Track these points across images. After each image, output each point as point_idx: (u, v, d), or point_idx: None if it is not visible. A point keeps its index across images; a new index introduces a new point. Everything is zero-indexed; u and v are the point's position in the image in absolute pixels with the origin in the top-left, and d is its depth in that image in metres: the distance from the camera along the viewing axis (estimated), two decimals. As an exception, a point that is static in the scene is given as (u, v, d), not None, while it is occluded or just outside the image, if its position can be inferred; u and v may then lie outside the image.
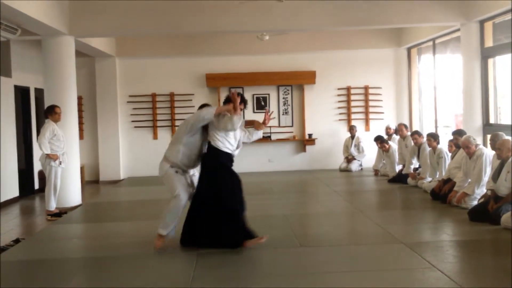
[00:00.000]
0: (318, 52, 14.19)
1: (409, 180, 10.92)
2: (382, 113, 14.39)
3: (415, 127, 13.66)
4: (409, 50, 14.23)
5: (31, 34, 9.98)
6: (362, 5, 10.48)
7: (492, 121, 10.31)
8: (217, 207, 6.09)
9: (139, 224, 8.15)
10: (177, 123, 14.04)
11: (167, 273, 5.54)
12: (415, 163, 11.17)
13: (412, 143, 11.08)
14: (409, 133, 11.76)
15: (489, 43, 10.32)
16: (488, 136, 9.98)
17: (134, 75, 14.14)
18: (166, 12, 10.43)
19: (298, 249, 6.21)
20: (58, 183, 9.26)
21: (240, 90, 14.11)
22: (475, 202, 8.03)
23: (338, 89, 14.38)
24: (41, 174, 11.45)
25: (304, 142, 14.24)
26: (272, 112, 7.36)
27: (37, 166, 11.72)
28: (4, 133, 10.66)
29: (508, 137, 7.73)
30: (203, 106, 6.85)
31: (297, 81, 14.22)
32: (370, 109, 14.40)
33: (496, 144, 7.48)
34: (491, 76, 10.39)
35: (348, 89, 14.37)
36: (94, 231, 8.04)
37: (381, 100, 14.40)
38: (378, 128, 14.00)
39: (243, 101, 6.37)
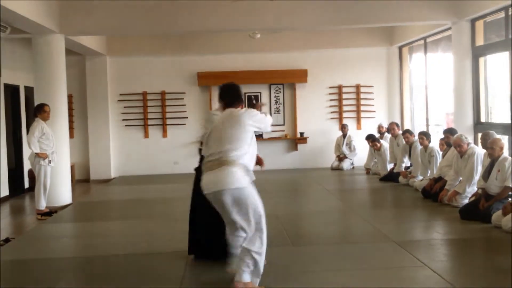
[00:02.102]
0: (310, 50, 14.18)
1: (401, 178, 10.93)
2: (374, 111, 14.41)
3: (407, 126, 13.69)
4: (400, 48, 14.24)
5: (21, 32, 9.90)
6: (353, 4, 10.46)
7: (483, 119, 10.33)
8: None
9: (129, 223, 8.12)
10: (168, 121, 14.01)
11: (158, 273, 5.51)
12: (406, 162, 11.19)
13: (404, 142, 11.10)
14: (400, 132, 11.78)
15: (480, 41, 10.33)
16: (479, 135, 10.02)
17: (125, 74, 14.08)
18: (158, 10, 10.38)
19: (290, 248, 6.20)
20: (47, 182, 9.20)
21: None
22: (466, 201, 8.04)
23: (330, 87, 14.39)
24: (31, 173, 11.36)
25: (295, 140, 14.23)
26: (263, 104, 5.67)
27: (27, 165, 11.63)
28: (-7, 132, 10.58)
29: (499, 136, 7.75)
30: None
31: (289, 80, 14.21)
32: (362, 108, 14.41)
33: (487, 143, 7.49)
34: (482, 75, 10.40)
35: (339, 87, 14.37)
36: (85, 230, 8.00)
37: (373, 99, 14.41)
38: (369, 126, 14.01)
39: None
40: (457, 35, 10.55)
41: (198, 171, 5.69)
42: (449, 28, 10.95)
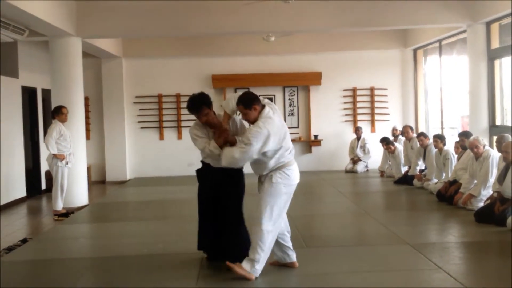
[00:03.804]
0: (324, 53, 14.20)
1: (415, 181, 10.90)
2: (388, 114, 14.39)
3: (421, 129, 13.66)
4: (415, 51, 14.21)
5: (38, 35, 10.03)
6: (368, 6, 10.48)
7: (498, 122, 10.29)
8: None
9: (145, 224, 8.18)
10: (183, 123, 14.09)
11: (173, 273, 5.54)
12: (421, 165, 11.15)
13: (418, 145, 11.08)
14: (414, 135, 11.76)
15: (495, 44, 10.31)
16: (495, 138, 9.99)
17: (140, 76, 14.20)
18: (173, 13, 10.47)
19: (304, 250, 6.21)
20: (65, 183, 9.31)
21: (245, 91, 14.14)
22: (481, 204, 8.03)
23: (344, 90, 14.39)
24: (48, 174, 11.51)
25: (310, 143, 14.24)
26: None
27: (44, 166, 11.77)
28: (11, 134, 10.71)
29: (514, 138, 7.72)
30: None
31: (303, 82, 14.24)
32: (376, 110, 14.40)
33: (502, 147, 7.47)
34: (498, 78, 10.37)
35: (354, 90, 14.37)
36: (101, 231, 8.09)
37: (387, 102, 14.39)
38: (384, 129, 14.00)
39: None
40: (472, 38, 10.53)
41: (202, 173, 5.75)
42: (464, 31, 10.93)
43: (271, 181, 5.15)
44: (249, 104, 5.16)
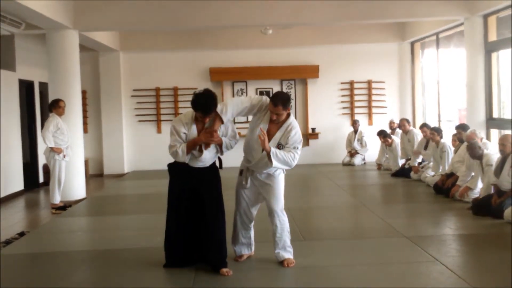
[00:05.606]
0: (322, 46, 14.19)
1: (412, 174, 10.94)
2: (385, 107, 14.40)
3: (419, 122, 13.66)
4: (412, 44, 14.21)
5: (35, 28, 10.00)
6: (365, -1, 10.49)
7: (495, 115, 10.31)
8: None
9: (143, 218, 8.19)
10: (181, 117, 14.07)
11: (170, 270, 5.45)
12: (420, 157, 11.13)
13: (416, 137, 11.12)
14: (411, 128, 11.81)
15: (492, 37, 10.30)
16: (492, 131, 10.03)
17: (138, 69, 14.17)
18: (170, 6, 10.44)
19: (302, 242, 6.24)
20: (62, 177, 9.31)
21: (243, 84, 14.18)
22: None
23: (342, 83, 14.39)
24: (46, 168, 11.50)
25: (307, 136, 14.25)
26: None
27: (41, 160, 11.77)
28: (8, 127, 10.69)
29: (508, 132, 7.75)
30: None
31: (301, 75, 14.23)
32: (373, 103, 14.41)
33: (498, 140, 7.50)
34: (495, 71, 10.37)
35: (351, 83, 14.37)
36: (98, 224, 8.10)
37: (384, 95, 14.40)
38: (381, 122, 14.01)
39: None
40: (470, 31, 10.53)
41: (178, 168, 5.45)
42: (462, 24, 10.92)
43: (275, 176, 5.47)
44: (288, 106, 5.15)
